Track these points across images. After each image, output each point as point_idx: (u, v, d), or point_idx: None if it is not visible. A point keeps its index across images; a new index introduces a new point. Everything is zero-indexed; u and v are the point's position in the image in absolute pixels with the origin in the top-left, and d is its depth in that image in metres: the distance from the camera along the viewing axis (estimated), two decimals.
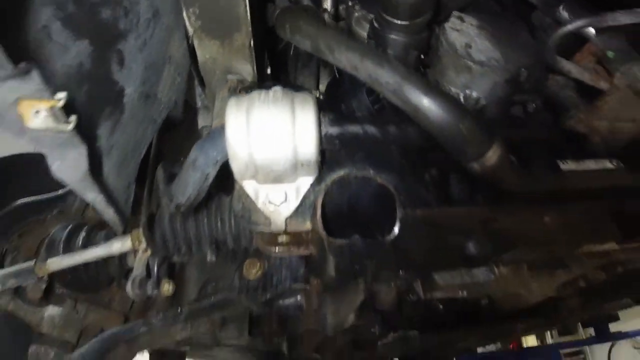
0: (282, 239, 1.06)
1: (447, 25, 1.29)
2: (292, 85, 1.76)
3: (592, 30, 1.20)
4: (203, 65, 1.22)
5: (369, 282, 1.30)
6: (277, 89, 0.99)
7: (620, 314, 4.73)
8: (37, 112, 0.69)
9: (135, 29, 1.08)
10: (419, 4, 1.14)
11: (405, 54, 1.22)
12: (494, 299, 1.82)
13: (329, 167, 1.05)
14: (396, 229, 1.02)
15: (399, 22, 1.16)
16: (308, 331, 1.93)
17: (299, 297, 1.41)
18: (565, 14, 1.26)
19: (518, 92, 1.29)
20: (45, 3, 0.83)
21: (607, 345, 6.26)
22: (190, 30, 1.11)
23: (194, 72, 1.33)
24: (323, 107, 1.06)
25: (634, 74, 1.12)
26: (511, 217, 1.11)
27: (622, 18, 1.02)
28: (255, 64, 1.22)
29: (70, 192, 1.49)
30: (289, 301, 1.41)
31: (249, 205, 1.04)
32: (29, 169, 1.37)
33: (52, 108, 0.70)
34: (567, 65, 1.19)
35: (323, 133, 1.06)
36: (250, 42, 1.14)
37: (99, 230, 1.40)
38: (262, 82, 1.30)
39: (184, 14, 1.08)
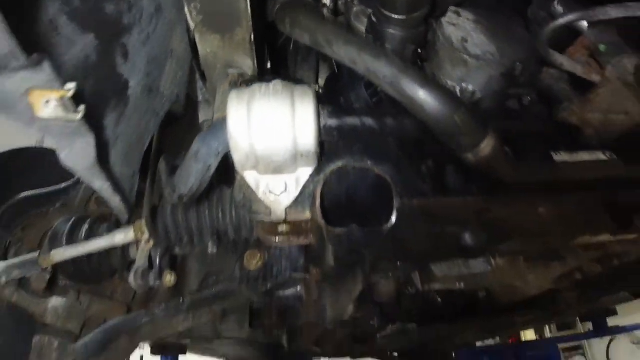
0: (282, 228, 1.08)
1: (444, 19, 1.30)
2: (292, 79, 1.78)
3: (584, 24, 1.22)
4: (204, 59, 1.24)
5: (367, 272, 1.33)
6: (278, 82, 1.01)
7: (619, 308, 4.73)
8: (47, 101, 0.71)
9: (139, 24, 1.10)
10: None
11: (402, 48, 1.24)
12: (491, 292, 1.84)
13: (328, 158, 1.07)
14: (393, 219, 1.04)
15: (396, 16, 1.18)
16: (308, 324, 1.96)
17: (299, 288, 1.43)
18: (559, 8, 1.29)
19: (513, 85, 1.31)
20: None
21: (606, 339, 6.29)
22: (192, 24, 1.13)
23: (195, 66, 1.34)
24: (322, 100, 1.08)
25: (624, 67, 1.14)
26: (506, 208, 1.13)
27: (613, 12, 1.04)
28: (255, 58, 1.23)
29: (73, 186, 1.51)
30: (289, 291, 1.43)
31: (250, 195, 1.06)
32: (32, 163, 1.39)
33: (62, 98, 0.71)
34: (560, 59, 1.21)
35: (322, 125, 1.08)
36: (251, 37, 1.16)
37: (101, 223, 1.41)
38: (262, 76, 1.32)
39: (186, 9, 1.10)
